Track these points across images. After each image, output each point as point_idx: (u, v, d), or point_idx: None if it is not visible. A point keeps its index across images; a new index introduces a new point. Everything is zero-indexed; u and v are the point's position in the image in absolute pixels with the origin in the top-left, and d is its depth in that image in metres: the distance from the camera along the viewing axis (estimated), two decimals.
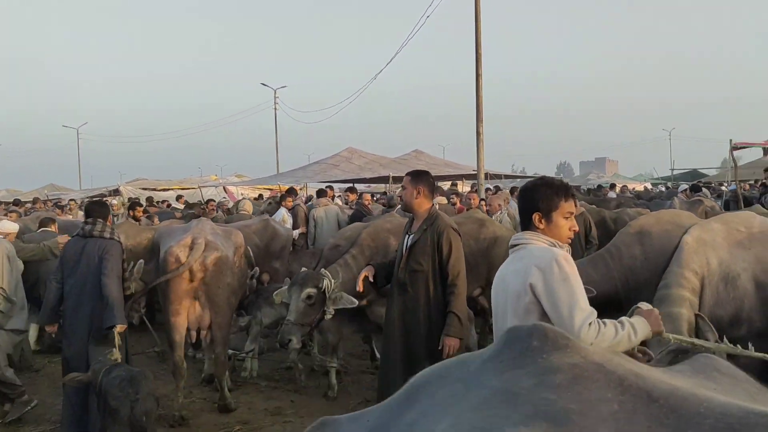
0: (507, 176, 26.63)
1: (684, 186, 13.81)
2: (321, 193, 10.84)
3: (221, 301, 5.78)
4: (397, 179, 20.91)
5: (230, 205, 21.02)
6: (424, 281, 4.33)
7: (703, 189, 13.92)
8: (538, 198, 2.71)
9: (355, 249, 5.95)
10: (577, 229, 2.80)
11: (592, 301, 2.51)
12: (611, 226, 9.15)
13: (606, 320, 2.38)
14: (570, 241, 2.77)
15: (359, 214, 8.92)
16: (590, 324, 2.33)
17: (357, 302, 5.03)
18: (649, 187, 36.64)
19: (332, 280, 5.07)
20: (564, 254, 2.59)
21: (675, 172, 44.28)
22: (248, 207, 10.44)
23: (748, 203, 11.97)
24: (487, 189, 15.81)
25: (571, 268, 2.50)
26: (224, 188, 28.55)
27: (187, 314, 5.64)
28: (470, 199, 9.52)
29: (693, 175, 38.48)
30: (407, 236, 4.51)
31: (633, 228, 5.07)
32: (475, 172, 21.14)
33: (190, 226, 6.08)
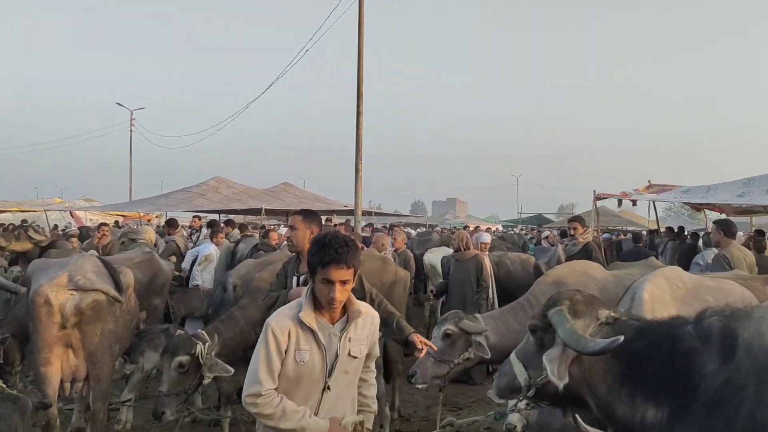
0: (365, 212, 26.87)
1: (547, 232, 14.59)
2: (214, 224, 10.12)
3: (100, 351, 5.00)
4: (270, 212, 20.31)
5: (73, 229, 19.20)
6: None
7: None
8: (309, 254, 2.72)
9: (246, 298, 5.45)
10: (339, 299, 2.66)
11: None
12: (495, 269, 9.34)
13: (286, 403, 2.62)
14: (332, 308, 2.70)
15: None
16: (258, 395, 2.58)
17: (233, 370, 4.50)
18: (501, 228, 38.82)
19: (206, 344, 4.55)
20: (276, 321, 2.68)
21: (522, 216, 47.50)
22: (150, 236, 9.21)
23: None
24: (368, 225, 15.66)
25: (270, 337, 2.63)
26: (71, 213, 26.17)
27: (60, 364, 4.82)
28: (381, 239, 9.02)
29: (538, 219, 41.49)
30: (296, 277, 4.22)
31: (550, 278, 5.13)
32: (347, 208, 21.11)
33: (68, 262, 5.25)
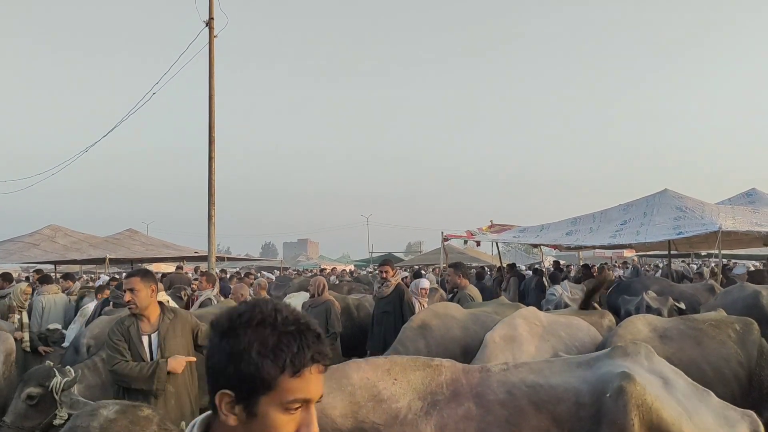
0: (217, 258, 26.20)
1: (404, 274, 15.19)
2: (46, 279, 9.35)
3: None
4: (114, 261, 19.10)
5: None
6: (182, 373, 4.25)
7: (423, 273, 15.41)
8: (255, 354, 1.32)
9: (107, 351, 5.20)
10: None
11: None
12: (354, 312, 9.54)
13: None
14: None
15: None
16: None
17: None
18: (352, 268, 39.40)
19: (64, 380, 4.20)
20: None
21: (373, 255, 48.52)
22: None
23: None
24: (221, 271, 15.27)
25: None
26: None
27: None
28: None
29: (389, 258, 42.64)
30: (147, 337, 4.29)
31: (415, 323, 5.41)
32: (198, 254, 20.41)
33: None
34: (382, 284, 7.89)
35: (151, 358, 4.20)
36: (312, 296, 8.22)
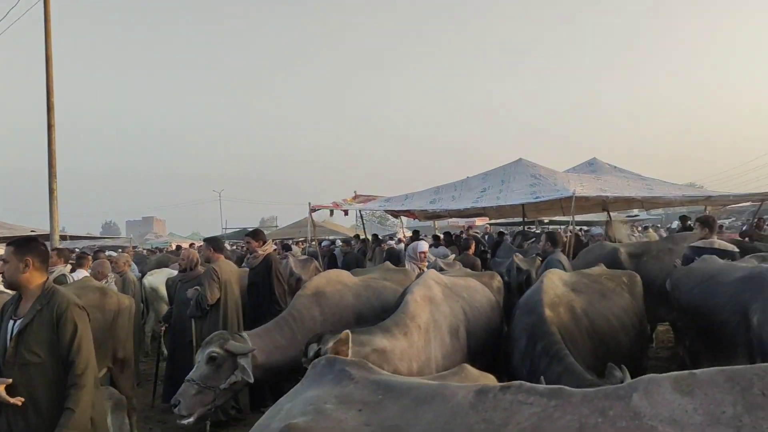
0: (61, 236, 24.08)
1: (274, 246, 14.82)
2: None
3: None
4: None
5: None
6: (43, 376, 3.43)
7: (293, 247, 15.14)
8: None
9: None
10: None
11: None
12: None
13: None
14: None
15: None
16: None
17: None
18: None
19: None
20: None
21: (227, 231, 47.12)
22: None
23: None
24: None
25: None
26: None
27: None
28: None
29: (243, 233, 41.55)
30: (12, 321, 3.55)
31: (308, 290, 5.23)
32: (35, 233, 18.53)
33: None
34: (251, 255, 7.65)
35: (4, 349, 3.47)
36: (183, 270, 7.76)
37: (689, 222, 14.35)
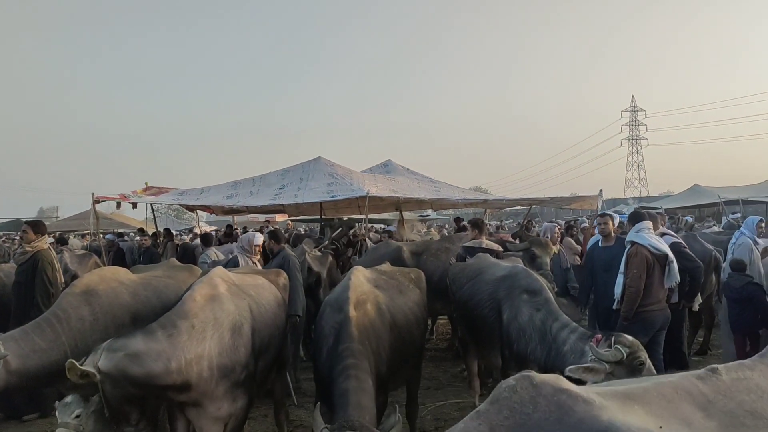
0: None
1: (49, 239, 13.34)
2: None
3: None
4: None
5: None
6: None
7: (73, 240, 13.85)
8: None
9: None
10: None
11: None
12: None
13: None
14: None
15: None
16: None
17: None
18: None
19: None
20: None
21: None
22: None
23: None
24: None
25: None
26: None
27: None
28: None
29: (16, 224, 37.06)
30: None
31: (78, 288, 4.83)
32: None
33: None
34: (19, 249, 6.89)
35: None
36: None
37: (463, 223, 15.66)
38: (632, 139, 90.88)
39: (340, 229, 12.06)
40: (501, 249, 7.22)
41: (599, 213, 8.67)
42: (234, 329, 4.29)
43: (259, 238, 7.25)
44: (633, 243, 5.90)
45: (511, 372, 4.76)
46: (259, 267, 6.83)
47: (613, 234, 6.87)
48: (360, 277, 4.90)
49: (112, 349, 3.76)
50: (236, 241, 8.71)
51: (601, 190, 12.75)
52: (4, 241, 22.66)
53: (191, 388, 3.99)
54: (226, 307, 4.33)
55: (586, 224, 12.94)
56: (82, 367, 3.60)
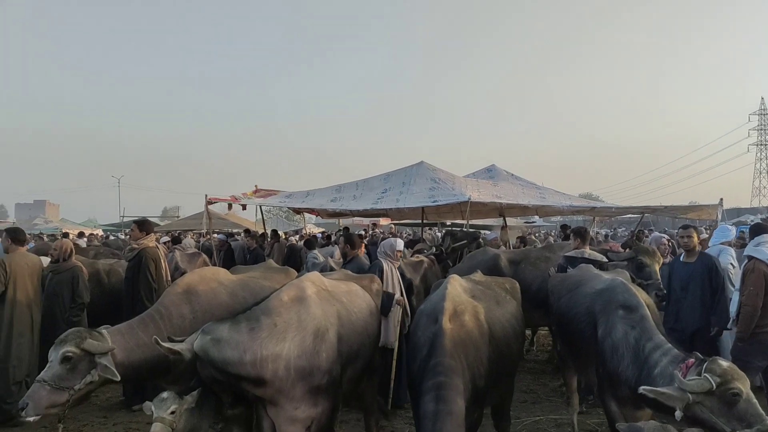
0: None
1: (165, 238, 14.22)
2: None
3: None
4: None
5: None
6: None
7: (184, 240, 14.66)
8: None
9: None
10: None
11: None
12: (105, 279, 8.66)
13: None
14: None
15: None
16: None
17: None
18: (101, 233, 36.19)
19: None
20: None
21: (125, 219, 45.10)
22: None
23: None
24: None
25: None
26: None
27: None
28: None
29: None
30: None
31: (179, 287, 5.04)
32: None
33: None
34: (128, 248, 7.40)
35: None
36: (56, 261, 7.35)
37: (569, 231, 15.06)
38: (761, 144, 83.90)
39: (464, 241, 11.71)
40: (604, 259, 6.84)
41: (681, 225, 7.81)
42: (317, 333, 4.29)
43: (401, 244, 7.24)
44: (750, 257, 5.41)
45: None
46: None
47: (696, 249, 6.35)
48: (457, 287, 4.76)
49: (205, 331, 4.04)
50: (336, 244, 8.85)
51: (721, 199, 11.87)
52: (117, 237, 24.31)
53: (266, 384, 4.05)
54: (312, 310, 4.36)
55: (705, 235, 12.07)
56: (164, 345, 4.01)
